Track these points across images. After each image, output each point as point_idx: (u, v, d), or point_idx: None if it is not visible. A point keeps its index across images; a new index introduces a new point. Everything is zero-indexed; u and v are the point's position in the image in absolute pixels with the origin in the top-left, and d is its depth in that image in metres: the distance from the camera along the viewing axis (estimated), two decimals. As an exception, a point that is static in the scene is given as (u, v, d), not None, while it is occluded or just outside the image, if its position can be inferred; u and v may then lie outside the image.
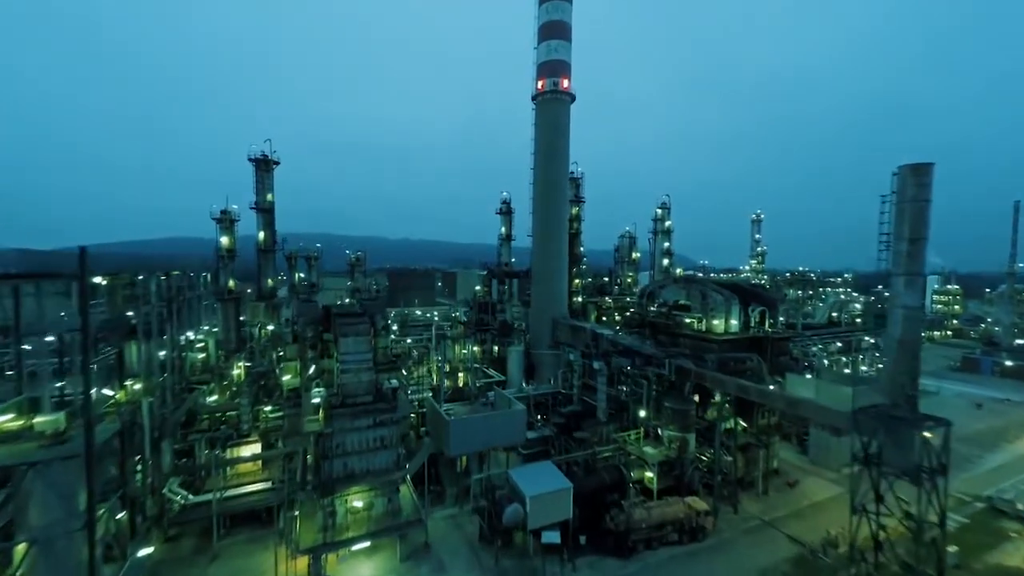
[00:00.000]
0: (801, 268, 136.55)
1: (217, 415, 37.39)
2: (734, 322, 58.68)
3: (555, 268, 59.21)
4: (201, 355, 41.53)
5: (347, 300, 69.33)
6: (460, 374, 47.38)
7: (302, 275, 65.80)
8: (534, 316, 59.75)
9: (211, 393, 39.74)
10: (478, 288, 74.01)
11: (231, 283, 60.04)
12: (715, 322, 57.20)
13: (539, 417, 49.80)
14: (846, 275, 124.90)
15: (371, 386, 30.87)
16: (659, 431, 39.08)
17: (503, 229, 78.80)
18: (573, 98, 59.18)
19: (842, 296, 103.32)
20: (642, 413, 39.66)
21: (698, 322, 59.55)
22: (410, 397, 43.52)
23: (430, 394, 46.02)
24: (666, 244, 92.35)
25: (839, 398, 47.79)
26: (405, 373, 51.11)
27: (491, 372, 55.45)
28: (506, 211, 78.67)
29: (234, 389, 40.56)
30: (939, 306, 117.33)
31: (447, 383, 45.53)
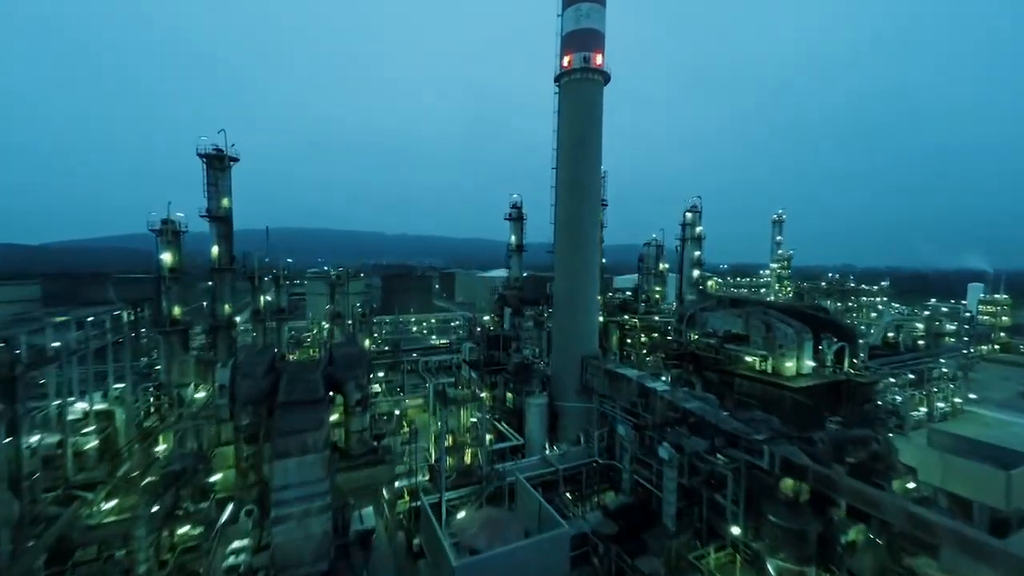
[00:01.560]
0: (831, 274, 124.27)
1: (106, 542, 24.52)
2: (808, 362, 46.35)
3: (583, 292, 46.46)
4: (92, 443, 28.44)
5: (325, 326, 56.57)
6: (467, 449, 34.67)
7: (269, 298, 52.85)
8: (557, 352, 47.10)
9: (108, 497, 26.89)
10: (487, 318, 61.31)
11: (176, 310, 47.15)
12: (787, 364, 44.78)
13: (569, 495, 37.42)
14: (883, 282, 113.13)
15: (326, 542, 18.17)
16: (760, 555, 26.69)
17: (513, 238, 66.01)
18: (608, 78, 46.12)
19: (894, 311, 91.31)
20: (735, 530, 27.15)
21: (761, 360, 47.14)
22: (398, 486, 30.94)
23: (426, 477, 33.44)
24: (696, 253, 79.69)
25: (987, 485, 35.56)
26: (394, 433, 38.51)
27: (503, 427, 42.89)
28: (516, 216, 65.83)
29: (146, 484, 27.65)
30: (985, 317, 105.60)
31: (449, 460, 32.90)
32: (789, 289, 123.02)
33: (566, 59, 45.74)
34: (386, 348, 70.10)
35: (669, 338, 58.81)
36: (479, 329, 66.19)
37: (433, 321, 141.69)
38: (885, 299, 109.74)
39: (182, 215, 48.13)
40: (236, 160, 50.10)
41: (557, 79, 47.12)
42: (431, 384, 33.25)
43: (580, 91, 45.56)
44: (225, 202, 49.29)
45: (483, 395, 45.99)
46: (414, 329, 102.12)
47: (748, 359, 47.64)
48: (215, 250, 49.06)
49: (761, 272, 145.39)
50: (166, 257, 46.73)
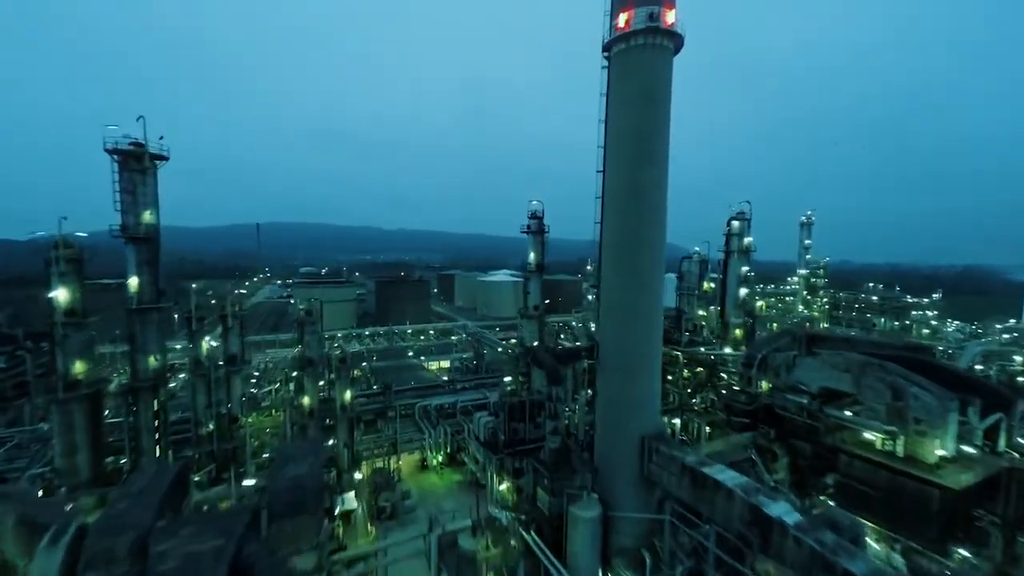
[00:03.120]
0: (871, 284, 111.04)
1: None
2: (958, 447, 33.22)
3: (645, 346, 32.98)
4: None
5: (288, 383, 42.93)
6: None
7: (213, 343, 39.22)
8: (606, 430, 33.69)
9: None
10: (508, 379, 47.87)
11: (78, 366, 33.54)
12: (935, 449, 31.59)
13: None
14: (935, 295, 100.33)
15: None
16: None
17: (532, 255, 52.45)
18: (680, 44, 32.39)
19: (950, 328, 78.29)
20: None
21: (885, 439, 33.98)
22: None
23: None
24: (744, 268, 66.41)
25: None
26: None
27: (533, 540, 29.54)
28: (537, 229, 52.23)
29: None
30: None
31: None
32: (825, 300, 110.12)
33: (622, 18, 31.81)
34: (375, 388, 56.61)
35: (734, 387, 45.61)
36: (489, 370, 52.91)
37: (432, 333, 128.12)
38: (935, 311, 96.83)
39: (84, 234, 34.35)
40: (164, 159, 36.19)
41: (607, 47, 33.29)
42: (433, 536, 19.90)
43: (642, 63, 31.72)
44: (148, 216, 35.41)
45: (503, 486, 32.67)
46: (410, 355, 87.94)
47: (867, 436, 34.46)
48: (134, 282, 35.21)
49: (789, 279, 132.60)
50: (60, 294, 32.91)
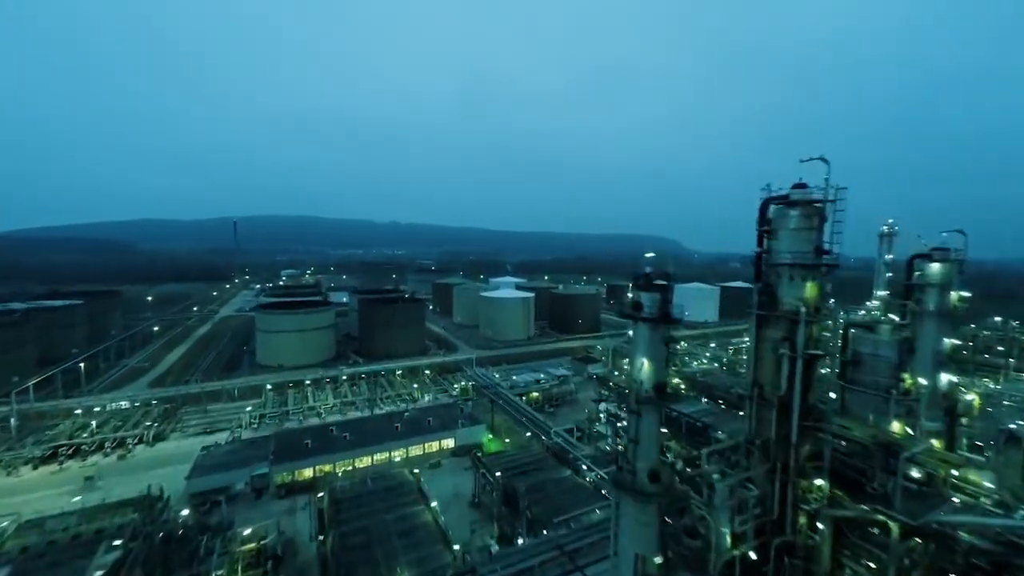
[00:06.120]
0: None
1: None
2: None
3: None
4: None
5: None
6: None
7: None
8: None
9: None
10: None
11: None
12: None
13: None
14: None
15: None
16: None
17: (645, 367, 24.23)
18: None
19: None
20: None
21: None
22: None
23: None
24: (949, 341, 39.32)
25: None
26: None
27: None
28: (659, 315, 23.96)
29: None
30: None
31: None
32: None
33: None
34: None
35: None
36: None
37: (428, 373, 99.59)
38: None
39: None
40: None
41: None
42: None
43: None
44: None
45: None
46: (398, 447, 58.88)
47: None
48: None
49: (867, 304, 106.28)
50: None
